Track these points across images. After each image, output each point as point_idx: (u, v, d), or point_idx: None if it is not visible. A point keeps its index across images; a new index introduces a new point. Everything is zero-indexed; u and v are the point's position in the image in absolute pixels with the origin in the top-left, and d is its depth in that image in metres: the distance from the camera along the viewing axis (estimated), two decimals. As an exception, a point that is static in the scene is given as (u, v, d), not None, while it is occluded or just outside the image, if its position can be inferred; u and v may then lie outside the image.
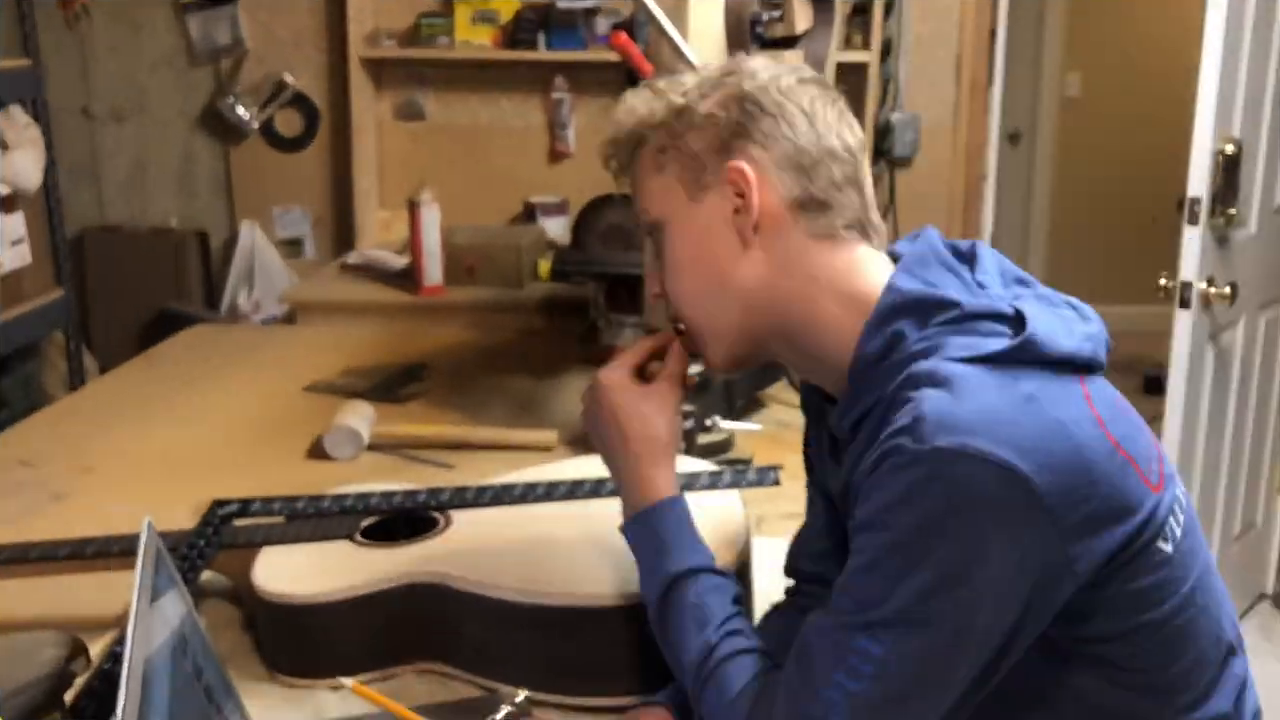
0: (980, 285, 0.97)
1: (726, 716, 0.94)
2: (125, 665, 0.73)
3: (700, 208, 1.00)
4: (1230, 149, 2.46)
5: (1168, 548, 0.91)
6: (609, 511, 1.25)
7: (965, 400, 0.84)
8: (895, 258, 1.00)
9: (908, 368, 0.90)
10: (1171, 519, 0.92)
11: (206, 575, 1.26)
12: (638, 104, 1.03)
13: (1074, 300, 0.98)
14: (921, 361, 0.89)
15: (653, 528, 1.04)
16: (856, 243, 0.99)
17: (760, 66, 1.02)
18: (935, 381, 0.86)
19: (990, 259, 1.01)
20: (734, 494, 1.26)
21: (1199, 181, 2.45)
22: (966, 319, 0.91)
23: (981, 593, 0.84)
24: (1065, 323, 0.93)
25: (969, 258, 1.00)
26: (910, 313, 0.93)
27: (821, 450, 1.13)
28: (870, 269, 0.98)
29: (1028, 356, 0.88)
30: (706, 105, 0.99)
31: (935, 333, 0.91)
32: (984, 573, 0.83)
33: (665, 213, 1.02)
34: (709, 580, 1.01)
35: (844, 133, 1.00)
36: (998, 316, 0.92)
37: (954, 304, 0.92)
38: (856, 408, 0.95)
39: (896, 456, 0.84)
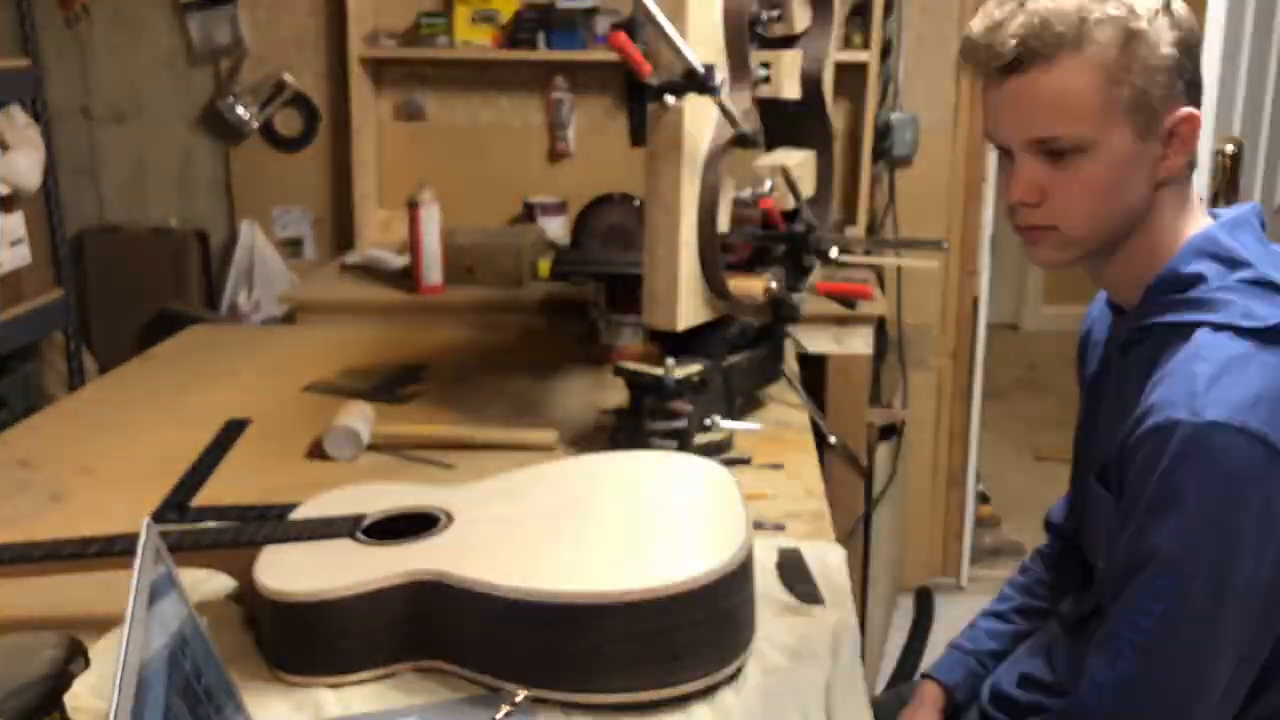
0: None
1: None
2: (119, 669, 0.73)
3: (1141, 146, 1.06)
4: (1230, 148, 2.46)
5: None
6: (609, 507, 1.25)
7: (1239, 377, 0.98)
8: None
9: (1200, 310, 1.04)
10: None
11: (206, 574, 1.26)
12: (1071, 4, 1.04)
13: None
14: (1212, 315, 1.03)
15: None
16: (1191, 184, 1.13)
17: None
18: (1214, 355, 1.00)
19: None
20: (735, 494, 1.26)
21: (1199, 181, 2.45)
22: (1259, 284, 1.05)
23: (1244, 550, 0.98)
24: None
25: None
26: (1217, 260, 1.07)
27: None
28: (1196, 212, 1.13)
29: None
30: (1166, 44, 1.04)
31: (1234, 285, 1.05)
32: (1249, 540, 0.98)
33: (1098, 138, 1.06)
34: None
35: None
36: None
37: (1250, 265, 1.06)
38: (1149, 317, 1.09)
39: (1172, 428, 0.98)
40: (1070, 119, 1.05)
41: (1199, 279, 1.07)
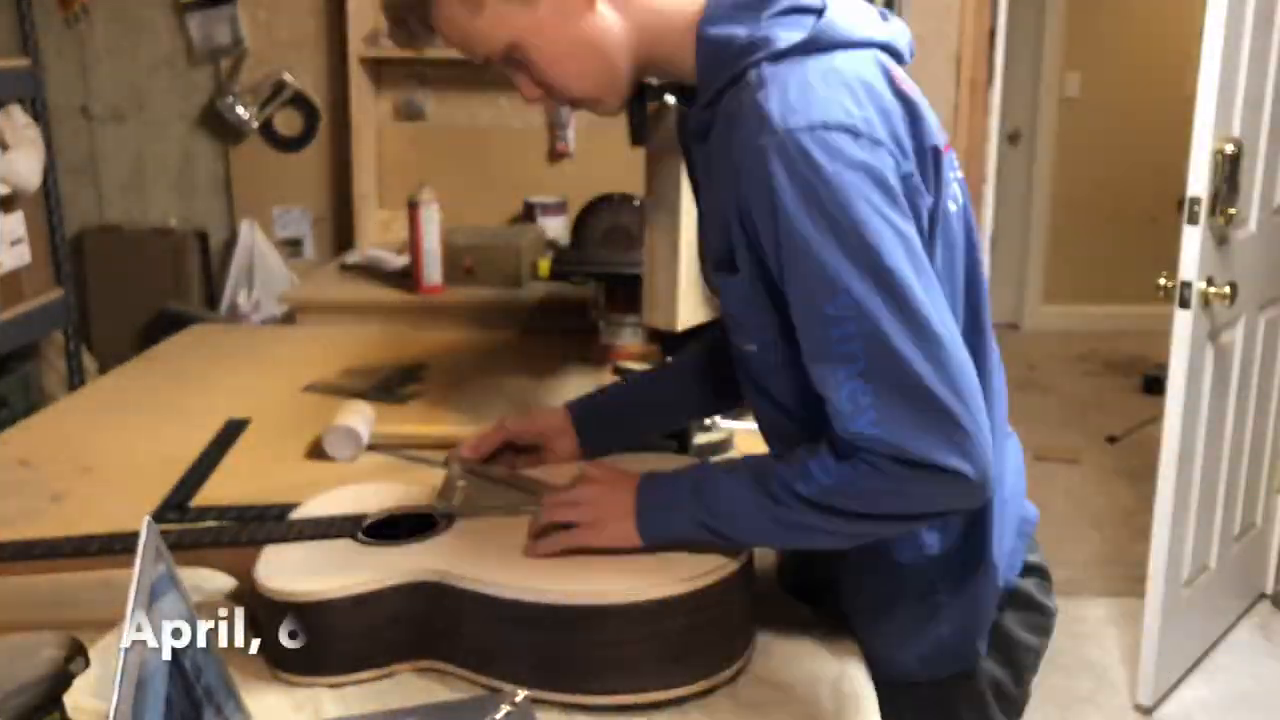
0: None
1: (836, 488, 1.02)
2: (119, 668, 0.74)
3: (538, 6, 1.06)
4: (1230, 148, 2.46)
5: (954, 208, 1.08)
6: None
7: (793, 90, 0.98)
8: None
9: (747, 55, 1.03)
10: (956, 185, 1.10)
11: (206, 574, 1.26)
12: None
13: (886, 11, 1.13)
14: (754, 56, 1.03)
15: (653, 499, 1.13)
16: None
17: None
18: (766, 83, 1.00)
19: None
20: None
21: (1199, 181, 2.45)
22: (786, 12, 1.04)
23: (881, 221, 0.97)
24: (866, 17, 1.08)
25: None
26: (740, 12, 1.05)
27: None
28: None
29: (827, 41, 1.02)
30: None
31: (766, 23, 1.04)
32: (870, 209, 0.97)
33: (512, 33, 1.07)
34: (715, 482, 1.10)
35: None
36: (807, 10, 1.05)
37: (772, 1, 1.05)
38: (707, 92, 1.07)
39: (759, 150, 0.97)
40: (476, 46, 1.09)
41: (733, 37, 1.05)
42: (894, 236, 0.97)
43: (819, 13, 1.05)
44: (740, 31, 1.05)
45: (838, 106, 0.98)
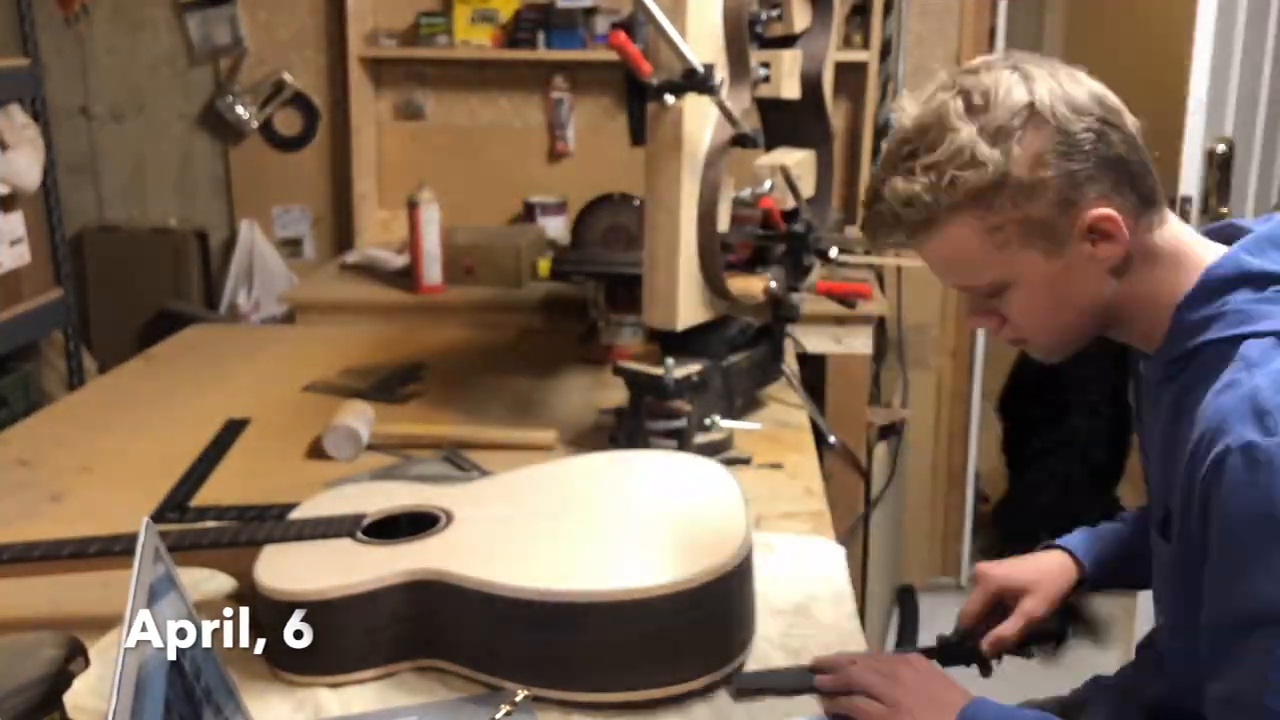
0: None
1: None
2: (118, 668, 0.74)
3: (1059, 261, 1.00)
4: (1222, 148, 2.46)
5: None
6: (609, 507, 1.25)
7: None
8: (1243, 231, 1.04)
9: (1239, 322, 0.95)
10: None
11: (206, 574, 1.26)
12: (915, 187, 0.98)
13: None
14: (1253, 325, 0.94)
15: None
16: (1166, 209, 1.03)
17: (1011, 82, 0.97)
18: (1269, 364, 0.91)
19: None
20: (735, 493, 1.26)
21: (1190, 181, 2.45)
22: None
23: None
24: None
25: None
26: (1247, 283, 0.98)
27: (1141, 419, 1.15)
28: (1193, 240, 1.04)
29: None
30: (1024, 167, 0.96)
31: (1272, 295, 0.96)
32: None
33: (1013, 276, 1.01)
34: None
35: (1109, 94, 1.02)
36: None
37: None
38: (1175, 349, 1.00)
39: (1247, 451, 0.88)
40: (970, 273, 1.03)
41: (1226, 301, 0.98)
42: None
43: None
44: (1239, 298, 0.97)
45: None
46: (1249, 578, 0.89)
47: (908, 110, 1.01)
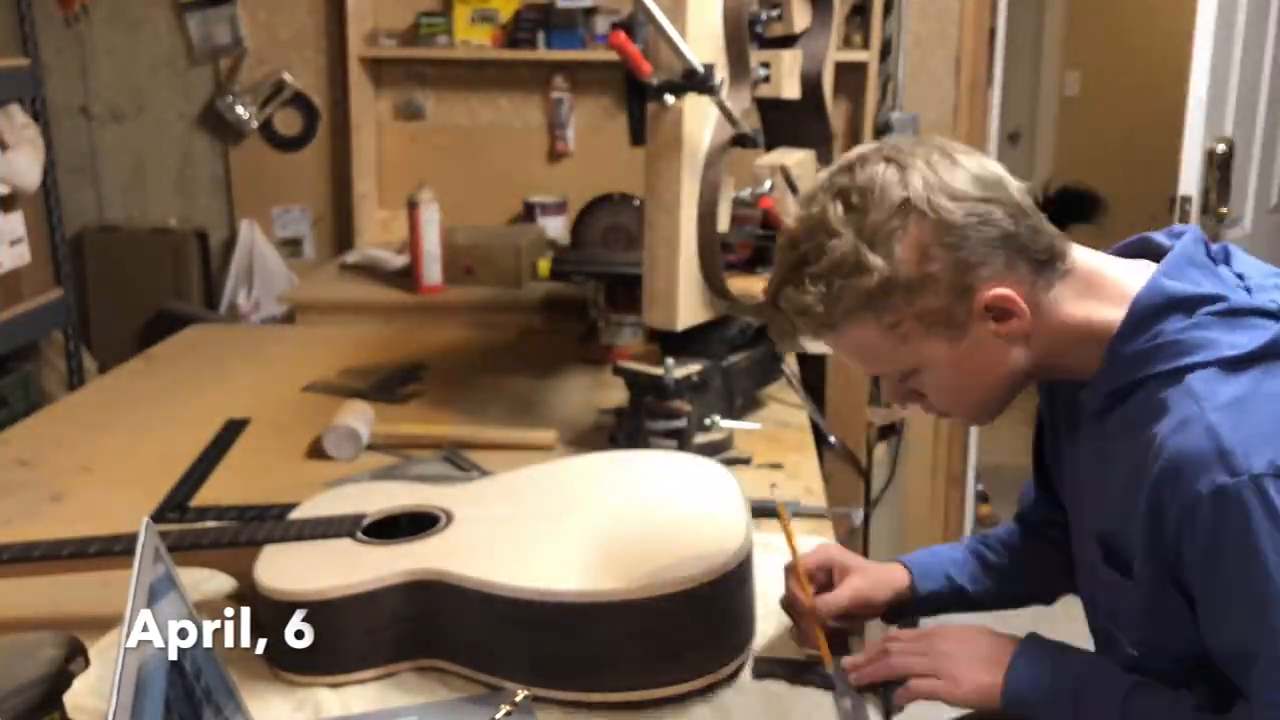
0: (1241, 278, 1.01)
1: None
2: (118, 668, 0.74)
3: (964, 342, 1.01)
4: (1222, 148, 2.46)
5: None
6: (609, 507, 1.25)
7: (1253, 414, 0.90)
8: (1155, 247, 1.04)
9: (1181, 353, 0.95)
10: None
11: (206, 574, 1.26)
12: (807, 298, 0.99)
13: None
14: (1195, 356, 0.94)
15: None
16: (1070, 254, 1.02)
17: (886, 178, 0.98)
18: (1216, 398, 0.91)
19: (1246, 258, 1.04)
20: (734, 492, 1.26)
21: (1190, 180, 2.45)
22: (1233, 314, 0.96)
23: None
24: None
25: (1224, 258, 1.04)
26: (1176, 308, 0.98)
27: (1056, 441, 1.17)
28: (1106, 269, 1.03)
29: None
30: (910, 265, 0.97)
31: (1203, 320, 0.96)
32: None
33: (921, 362, 1.03)
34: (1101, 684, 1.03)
35: (987, 169, 1.00)
36: (1263, 313, 0.96)
37: (1220, 298, 0.97)
38: (1114, 381, 1.00)
39: (1218, 497, 0.88)
40: (879, 364, 1.05)
41: (1159, 331, 0.98)
42: None
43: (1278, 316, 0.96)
44: (1172, 327, 0.97)
45: None
46: (1236, 614, 0.91)
47: (793, 214, 1.04)
